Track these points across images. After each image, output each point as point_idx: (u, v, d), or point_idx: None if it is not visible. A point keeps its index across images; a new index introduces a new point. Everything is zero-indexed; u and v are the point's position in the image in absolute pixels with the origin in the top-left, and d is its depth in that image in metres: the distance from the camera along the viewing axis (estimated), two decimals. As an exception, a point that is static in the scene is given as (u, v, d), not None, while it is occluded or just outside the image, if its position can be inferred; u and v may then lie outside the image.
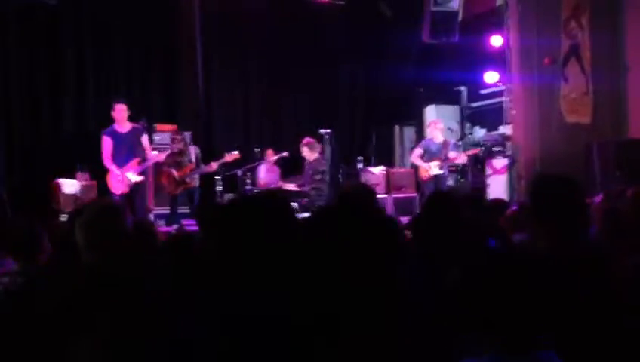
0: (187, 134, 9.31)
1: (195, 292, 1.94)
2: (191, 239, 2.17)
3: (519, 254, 1.59)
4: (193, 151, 8.41)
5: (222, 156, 8.44)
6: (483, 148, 9.74)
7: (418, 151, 9.20)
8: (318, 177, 8.31)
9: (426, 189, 8.87)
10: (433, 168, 8.95)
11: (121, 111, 7.51)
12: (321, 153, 8.91)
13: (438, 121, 9.45)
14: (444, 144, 9.10)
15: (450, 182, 9.79)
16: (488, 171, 9.61)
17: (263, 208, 1.83)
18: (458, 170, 10.02)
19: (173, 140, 8.41)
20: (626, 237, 2.62)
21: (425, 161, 9.04)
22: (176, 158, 8.25)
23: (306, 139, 8.57)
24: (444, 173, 9.09)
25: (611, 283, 1.99)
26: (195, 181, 8.33)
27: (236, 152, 8.42)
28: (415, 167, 9.67)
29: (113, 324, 2.11)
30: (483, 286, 1.44)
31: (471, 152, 9.39)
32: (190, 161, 8.27)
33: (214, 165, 8.39)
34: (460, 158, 9.22)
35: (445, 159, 8.96)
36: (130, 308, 2.15)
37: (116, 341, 2.09)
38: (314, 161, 8.44)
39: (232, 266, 1.75)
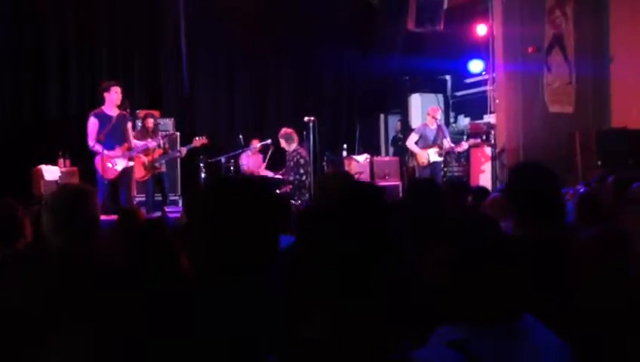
0: (168, 121, 9.47)
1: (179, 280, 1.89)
2: (162, 224, 2.15)
3: (497, 237, 1.62)
4: (161, 136, 8.32)
5: (190, 141, 8.42)
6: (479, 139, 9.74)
7: (414, 137, 9.16)
8: (302, 171, 8.27)
9: (422, 175, 8.90)
10: (432, 155, 8.97)
11: (116, 93, 7.26)
12: (303, 142, 8.87)
13: (438, 109, 9.40)
14: (439, 129, 9.09)
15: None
16: (482, 159, 9.65)
17: (245, 190, 1.80)
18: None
19: (144, 124, 8.37)
20: (603, 224, 2.64)
21: (420, 147, 9.04)
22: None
23: (283, 131, 8.53)
24: (441, 161, 9.12)
25: (574, 263, 2.02)
26: (163, 166, 8.36)
27: (204, 137, 8.39)
28: (409, 153, 9.62)
29: (83, 316, 2.08)
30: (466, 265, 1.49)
31: (472, 142, 9.43)
32: (159, 146, 8.21)
33: (183, 150, 8.42)
34: (462, 147, 9.24)
35: (442, 147, 8.96)
36: (102, 296, 2.12)
37: (88, 334, 2.06)
38: (293, 151, 8.40)
39: (221, 251, 1.72)
